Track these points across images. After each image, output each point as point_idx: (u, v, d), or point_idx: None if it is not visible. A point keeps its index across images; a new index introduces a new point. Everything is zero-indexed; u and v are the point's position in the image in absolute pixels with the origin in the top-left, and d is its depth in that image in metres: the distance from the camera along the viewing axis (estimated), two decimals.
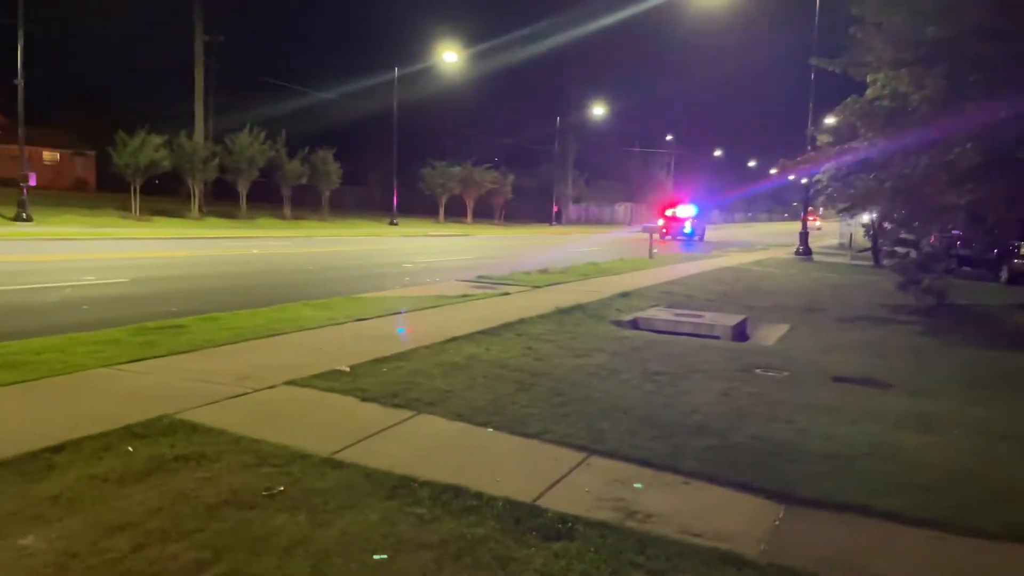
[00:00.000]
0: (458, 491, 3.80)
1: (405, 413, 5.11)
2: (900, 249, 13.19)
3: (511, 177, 59.81)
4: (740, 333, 10.57)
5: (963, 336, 10.38)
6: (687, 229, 42.67)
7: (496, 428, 4.92)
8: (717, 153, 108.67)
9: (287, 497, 3.64)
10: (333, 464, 4.10)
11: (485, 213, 60.14)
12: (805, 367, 7.65)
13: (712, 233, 58.08)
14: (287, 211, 40.63)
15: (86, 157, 58.54)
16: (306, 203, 43.53)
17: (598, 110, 72.50)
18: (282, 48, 55.42)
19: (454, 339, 7.81)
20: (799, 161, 16.80)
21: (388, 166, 50.13)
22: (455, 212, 56.14)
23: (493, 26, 57.00)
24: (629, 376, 6.63)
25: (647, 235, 25.65)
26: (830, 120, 27.85)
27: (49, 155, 55.72)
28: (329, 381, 5.80)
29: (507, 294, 12.37)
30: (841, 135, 23.43)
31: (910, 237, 12.76)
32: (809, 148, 27.51)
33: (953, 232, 20.30)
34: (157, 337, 7.27)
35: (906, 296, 14.10)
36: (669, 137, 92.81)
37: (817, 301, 13.95)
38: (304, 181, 41.00)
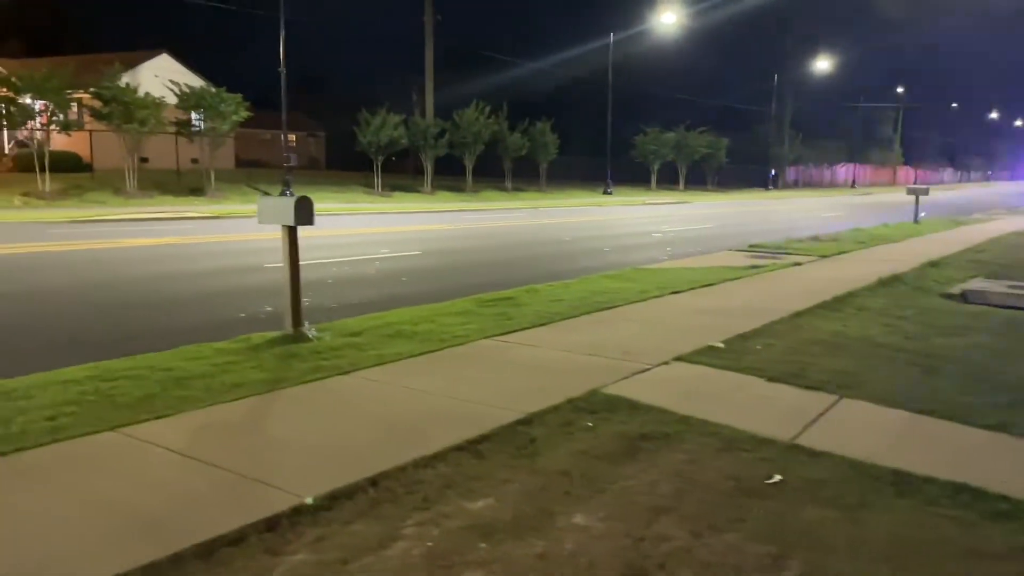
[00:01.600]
0: (975, 492, 3.39)
1: (825, 396, 4.74)
2: None
3: (725, 141, 57.37)
4: None
5: None
6: None
7: (941, 417, 4.43)
8: (954, 105, 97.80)
9: (791, 488, 3.41)
10: (804, 452, 3.83)
11: (696, 179, 58.22)
12: None
13: (951, 193, 52.58)
14: (508, 183, 41.62)
15: (317, 138, 64.05)
16: (521, 174, 44.31)
17: (818, 64, 67.54)
18: (491, 20, 56.38)
19: (798, 314, 7.35)
20: None
21: (594, 134, 49.87)
22: (664, 179, 54.82)
23: None
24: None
25: (911, 197, 23.33)
26: None
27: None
28: (713, 358, 5.57)
29: (799, 264, 11.64)
30: None
31: None
32: None
33: None
34: (501, 308, 7.44)
35: None
36: (900, 89, 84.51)
37: None
38: (524, 153, 41.76)
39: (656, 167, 52.87)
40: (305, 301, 8.29)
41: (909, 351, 6.00)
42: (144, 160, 29.98)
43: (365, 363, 5.26)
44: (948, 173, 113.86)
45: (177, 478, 3.33)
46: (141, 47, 42.60)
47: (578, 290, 8.87)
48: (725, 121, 65.74)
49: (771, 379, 5.07)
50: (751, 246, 14.38)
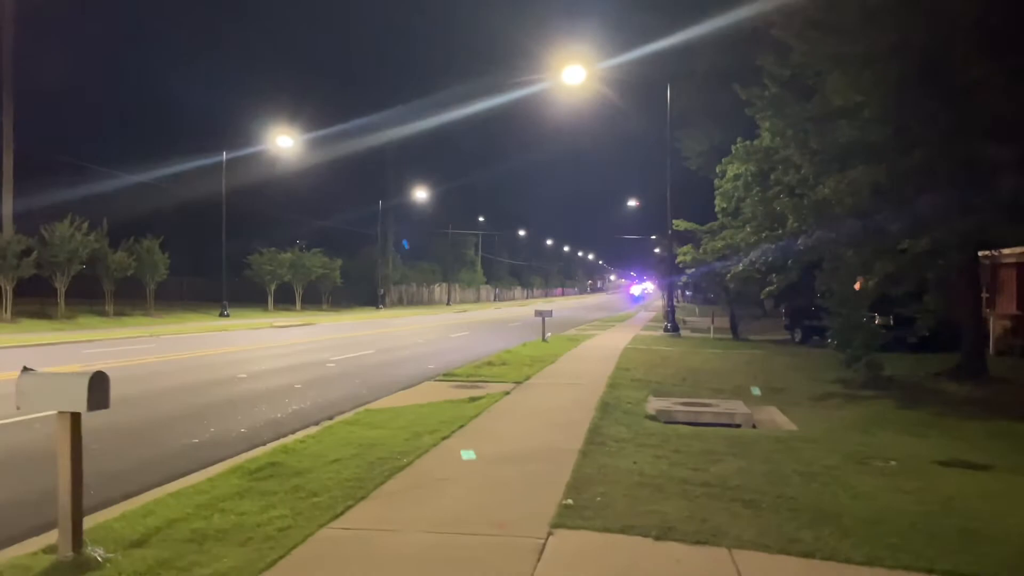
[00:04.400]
0: None
1: (719, 552, 4.88)
2: (834, 325, 14.60)
3: (339, 261, 58.53)
4: (752, 419, 11.17)
5: (945, 408, 11.68)
6: (638, 294, 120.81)
7: (824, 559, 4.81)
8: (524, 232, 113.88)
9: None
10: None
11: (311, 299, 58.04)
12: (886, 452, 8.24)
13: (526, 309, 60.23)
14: (109, 307, 36.58)
15: None
16: (124, 296, 39.41)
17: (416, 194, 73.74)
18: (91, 129, 50.25)
19: (584, 453, 7.57)
20: (720, 249, 18.22)
21: (206, 254, 47.02)
22: (280, 299, 53.63)
23: (315, 114, 56.21)
24: (799, 479, 6.79)
25: (509, 313, 26.12)
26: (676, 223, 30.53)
27: None
28: (581, 519, 5.40)
29: (507, 393, 12.10)
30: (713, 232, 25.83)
31: (854, 313, 14.18)
32: (670, 232, 29.93)
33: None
34: (283, 481, 6.36)
35: (827, 368, 15.77)
36: (481, 219, 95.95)
37: (765, 381, 14.96)
38: (130, 273, 37.31)
39: (273, 287, 51.48)
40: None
41: (710, 484, 6.50)
42: None
43: None
44: (518, 291, 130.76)
45: None
46: None
47: (337, 443, 8.02)
48: (335, 243, 67.37)
49: (657, 538, 5.06)
50: (446, 375, 14.60)
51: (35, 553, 4.54)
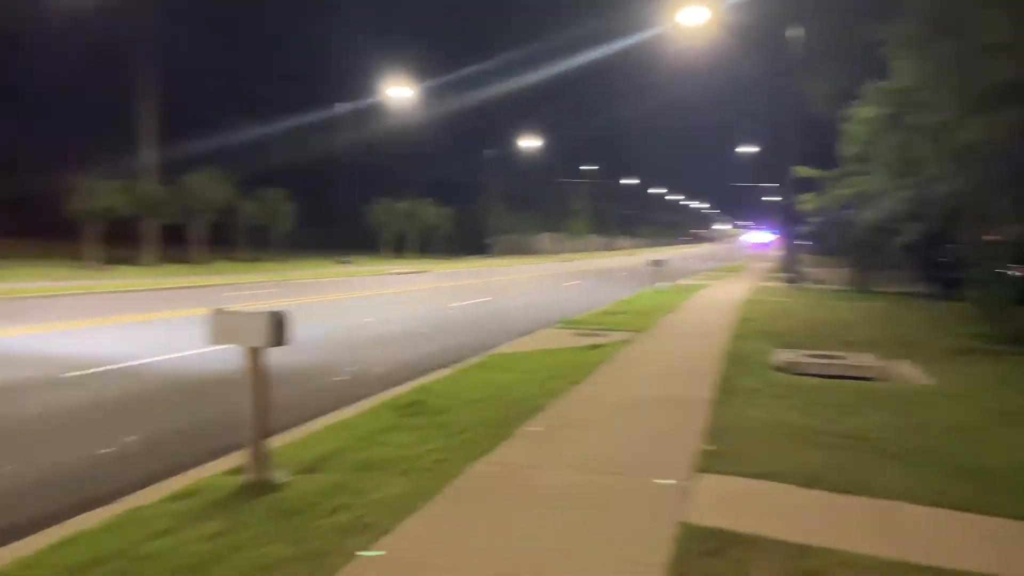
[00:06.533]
0: None
1: (875, 502, 4.87)
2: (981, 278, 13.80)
3: (450, 211, 59.64)
4: (885, 372, 10.80)
5: None
6: (759, 243, 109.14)
7: (980, 513, 4.73)
8: (633, 181, 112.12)
9: None
10: None
11: (423, 247, 59.51)
12: None
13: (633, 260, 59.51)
14: (242, 254, 38.84)
15: None
16: (251, 243, 41.61)
17: (524, 144, 73.62)
18: (212, 79, 52.69)
19: (717, 402, 7.59)
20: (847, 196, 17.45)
21: (321, 204, 48.93)
22: (395, 247, 55.24)
23: (428, 67, 56.77)
24: (941, 433, 6.59)
25: (617, 262, 25.93)
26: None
27: None
28: (727, 464, 5.48)
29: (628, 342, 12.16)
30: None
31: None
32: (793, 179, 28.81)
33: None
34: (427, 417, 6.74)
35: (962, 322, 14.98)
36: (596, 168, 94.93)
37: (895, 333, 14.38)
38: (258, 222, 39.41)
39: (389, 236, 53.09)
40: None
41: (850, 435, 6.41)
42: None
43: (391, 514, 4.35)
44: (625, 240, 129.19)
45: None
46: None
47: (472, 385, 8.37)
48: (444, 192, 68.46)
49: (804, 486, 5.09)
50: (566, 323, 14.81)
51: (222, 474, 5.04)
